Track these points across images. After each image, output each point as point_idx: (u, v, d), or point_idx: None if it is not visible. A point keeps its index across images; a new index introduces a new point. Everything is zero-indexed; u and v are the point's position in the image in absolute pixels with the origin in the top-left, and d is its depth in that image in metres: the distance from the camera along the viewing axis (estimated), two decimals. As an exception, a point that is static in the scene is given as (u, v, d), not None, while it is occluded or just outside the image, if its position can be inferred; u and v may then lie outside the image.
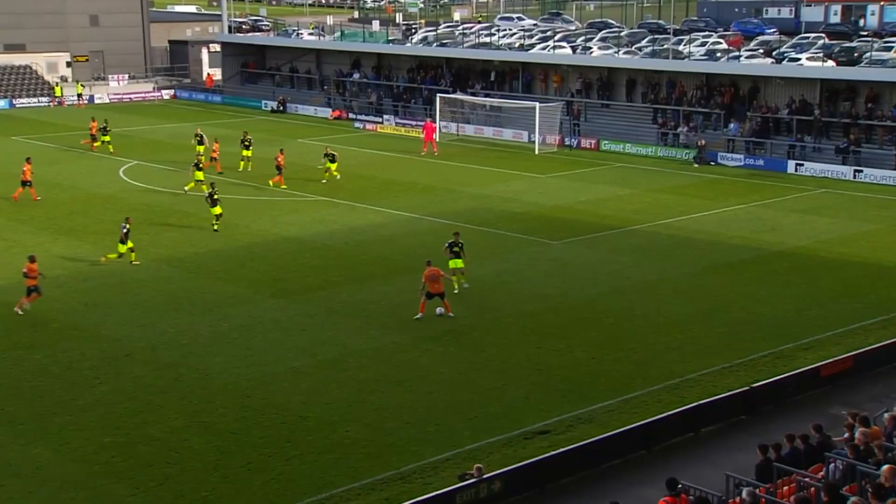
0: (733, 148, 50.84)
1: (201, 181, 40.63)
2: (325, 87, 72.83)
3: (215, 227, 34.84)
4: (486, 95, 61.94)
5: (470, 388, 21.59)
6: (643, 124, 56.15)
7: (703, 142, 50.59)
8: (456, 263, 28.00)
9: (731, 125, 51.67)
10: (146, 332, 24.99)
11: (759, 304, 27.36)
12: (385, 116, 64.61)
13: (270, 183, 42.74)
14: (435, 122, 54.67)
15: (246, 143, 45.67)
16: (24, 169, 39.50)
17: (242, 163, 44.74)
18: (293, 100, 71.85)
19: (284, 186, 42.25)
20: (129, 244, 30.62)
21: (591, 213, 38.77)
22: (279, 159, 42.91)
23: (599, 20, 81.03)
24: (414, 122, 62.05)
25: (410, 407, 20.66)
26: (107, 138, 52.17)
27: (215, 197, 34.84)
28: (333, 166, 44.26)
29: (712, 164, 49.88)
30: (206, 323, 25.73)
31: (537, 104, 54.65)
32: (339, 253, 32.85)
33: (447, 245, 28.22)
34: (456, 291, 27.78)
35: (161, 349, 23.83)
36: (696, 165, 49.65)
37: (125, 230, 30.41)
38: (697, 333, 25.08)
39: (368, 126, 63.58)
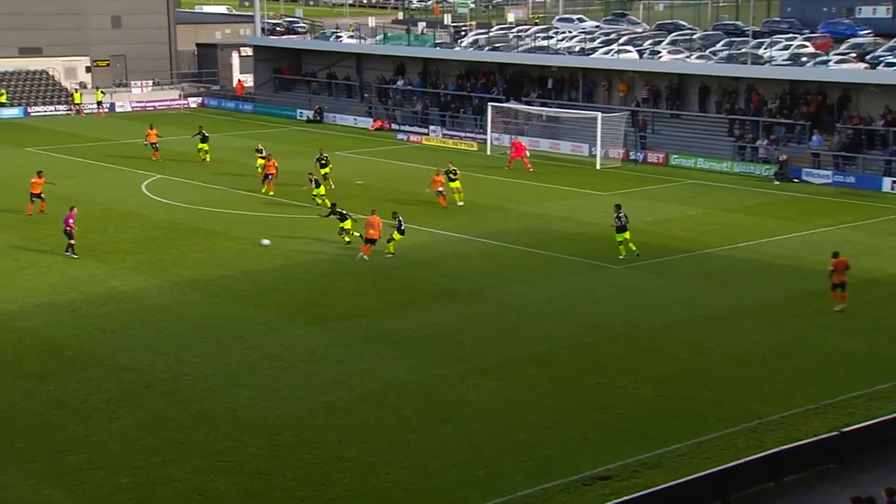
0: (820, 163, 50.30)
1: (322, 195, 41.81)
2: (366, 95, 73.45)
3: (348, 240, 36.02)
4: (543, 104, 62.02)
5: (522, 428, 21.51)
6: (717, 137, 55.75)
7: (786, 156, 50.10)
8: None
9: (815, 138, 51.14)
10: (168, 361, 25.27)
11: (849, 338, 26.95)
12: (431, 127, 64.95)
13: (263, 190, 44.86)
14: (523, 140, 54.91)
15: (322, 161, 45.84)
16: (34, 182, 40.27)
17: (327, 181, 44.97)
18: (331, 109, 72.54)
19: (272, 193, 43.51)
20: None
21: (657, 235, 38.55)
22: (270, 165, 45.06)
23: (669, 21, 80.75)
24: (463, 134, 62.33)
25: (456, 447, 20.61)
26: (205, 146, 53.28)
27: (341, 211, 35.88)
28: (325, 171, 45.72)
29: (795, 181, 49.37)
30: (233, 352, 25.95)
31: (599, 114, 54.53)
32: (379, 276, 33.00)
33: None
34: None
35: (184, 381, 24.07)
36: (777, 182, 49.16)
37: None
38: (779, 369, 24.77)
39: (412, 138, 63.96)
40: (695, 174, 51.71)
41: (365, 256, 34.31)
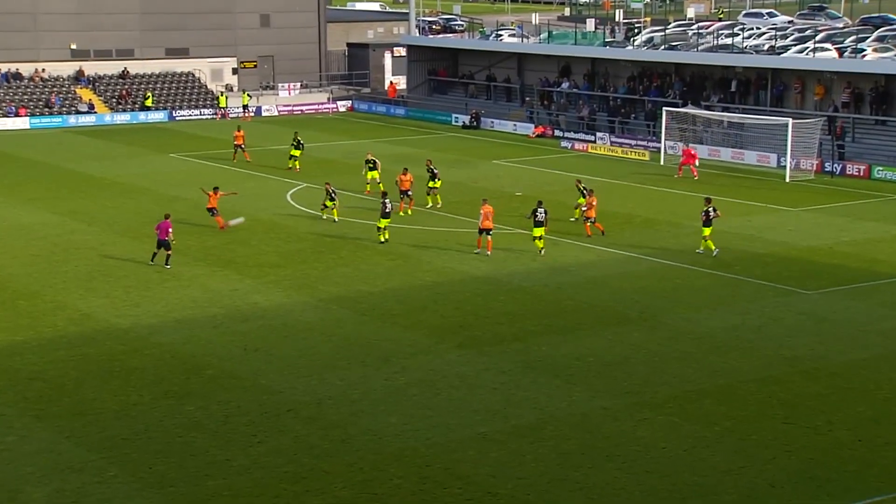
0: None
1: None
2: (528, 99, 73.71)
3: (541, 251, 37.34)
4: (725, 109, 61.01)
5: (698, 470, 21.11)
6: (929, 146, 53.73)
7: None
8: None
9: None
10: (311, 384, 25.83)
11: None
12: (598, 134, 64.64)
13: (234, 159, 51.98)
14: (694, 149, 54.41)
15: (432, 172, 46.24)
16: (210, 195, 41.52)
17: (429, 197, 45.50)
18: (488, 113, 73.07)
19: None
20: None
21: (857, 257, 37.37)
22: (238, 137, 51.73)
23: (876, 15, 78.22)
24: (634, 142, 61.81)
25: (623, 488, 20.38)
26: (297, 153, 55.22)
27: (539, 218, 36.98)
28: (374, 174, 47.10)
29: None
30: (380, 376, 26.33)
31: (790, 120, 53.27)
32: (538, 297, 32.96)
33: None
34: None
35: (328, 405, 24.54)
36: None
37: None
38: None
39: (578, 145, 63.77)
40: (902, 189, 49.98)
41: (486, 252, 37.09)
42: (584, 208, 40.97)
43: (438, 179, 45.41)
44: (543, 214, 37.11)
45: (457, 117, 74.03)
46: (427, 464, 21.44)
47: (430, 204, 45.16)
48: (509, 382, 25.81)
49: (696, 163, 52.98)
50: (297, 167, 54.65)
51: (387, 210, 38.93)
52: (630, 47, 71.67)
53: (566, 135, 66.09)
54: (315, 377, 26.19)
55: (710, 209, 37.27)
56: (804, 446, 22.14)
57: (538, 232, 37.25)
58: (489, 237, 37.22)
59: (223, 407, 24.39)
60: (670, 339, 28.97)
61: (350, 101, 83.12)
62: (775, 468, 21.19)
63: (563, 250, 38.43)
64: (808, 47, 62.41)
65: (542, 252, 37.26)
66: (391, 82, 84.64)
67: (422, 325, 30.23)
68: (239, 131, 58.62)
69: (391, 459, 21.64)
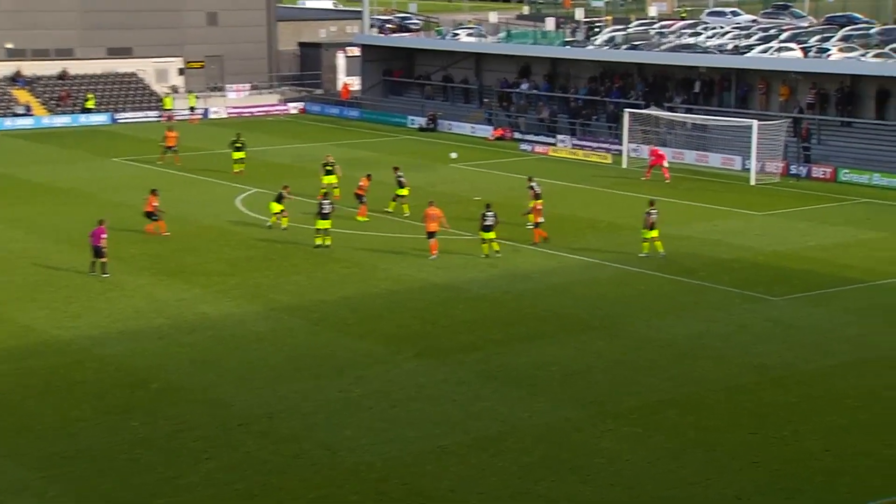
0: None
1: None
2: (486, 101, 73.82)
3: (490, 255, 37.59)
4: (689, 111, 61.40)
5: (663, 483, 21.21)
6: (897, 148, 54.44)
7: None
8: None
9: None
10: (263, 396, 25.69)
11: None
12: (559, 137, 64.91)
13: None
14: (661, 149, 54.78)
15: (399, 181, 45.97)
16: (148, 199, 41.30)
17: (393, 203, 45.35)
18: (446, 115, 73.12)
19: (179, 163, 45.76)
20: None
21: (824, 262, 37.75)
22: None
23: (841, 14, 79.17)
24: (595, 144, 62.10)
25: (586, 502, 20.45)
26: (240, 155, 54.94)
27: (488, 222, 37.44)
28: (331, 179, 47.16)
29: None
30: (334, 387, 26.25)
31: (755, 122, 53.73)
32: (499, 304, 33.01)
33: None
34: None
35: (280, 418, 24.43)
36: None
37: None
38: (970, 423, 23.92)
39: (538, 148, 63.99)
40: (869, 192, 50.50)
41: (430, 254, 37.56)
42: (528, 212, 40.70)
43: (405, 187, 45.34)
44: (492, 218, 37.44)
45: (413, 119, 74.04)
46: (384, 479, 21.39)
47: (393, 210, 44.90)
48: (469, 393, 25.82)
49: (666, 163, 53.26)
50: (242, 170, 54.31)
51: (324, 211, 38.87)
52: (591, 47, 72.05)
53: (526, 137, 66.29)
54: (267, 390, 26.06)
55: (654, 212, 37.61)
56: (772, 457, 22.30)
57: (487, 236, 37.57)
58: (433, 240, 37.66)
59: (170, 422, 24.20)
60: (635, 347, 29.14)
61: (302, 103, 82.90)
62: (742, 480, 21.33)
63: (524, 257, 38.52)
64: (772, 47, 63.00)
65: (496, 254, 37.68)
66: (345, 83, 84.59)
67: (378, 335, 30.17)
68: (171, 132, 58.47)
69: (346, 475, 21.56)
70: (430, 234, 37.81)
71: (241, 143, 55.32)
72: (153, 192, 41.75)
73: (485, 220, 37.51)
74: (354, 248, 39.53)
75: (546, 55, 71.83)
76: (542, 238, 39.90)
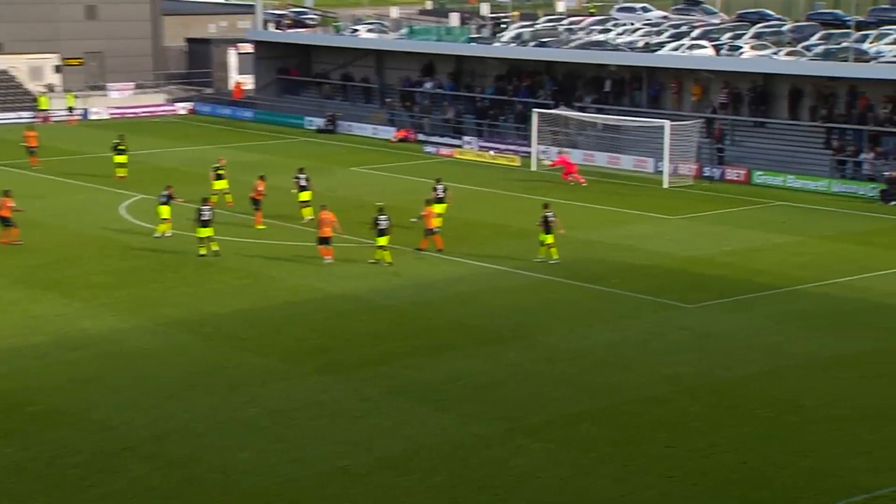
0: (937, 181, 49.92)
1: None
2: (388, 100, 73.88)
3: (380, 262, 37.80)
4: (599, 111, 62.08)
5: (578, 499, 21.36)
6: (812, 149, 55.58)
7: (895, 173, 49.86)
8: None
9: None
10: (151, 417, 25.32)
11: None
12: (465, 138, 65.21)
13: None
14: (568, 154, 55.28)
15: (303, 185, 45.65)
16: (2, 203, 40.56)
17: (304, 211, 44.93)
18: (346, 116, 73.01)
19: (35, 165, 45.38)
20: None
21: (738, 268, 38.37)
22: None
23: (753, 10, 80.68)
24: (502, 146, 62.46)
25: (497, 523, 20.52)
26: (122, 159, 54.01)
27: (382, 226, 37.66)
28: (222, 184, 47.00)
29: (907, 202, 49.14)
30: (228, 406, 25.99)
31: (667, 122, 54.53)
32: (404, 315, 33.01)
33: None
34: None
35: (170, 440, 24.11)
36: (885, 204, 48.86)
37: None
38: (891, 433, 24.48)
39: (443, 151, 64.19)
40: (784, 194, 51.49)
41: (325, 259, 37.83)
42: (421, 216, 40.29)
43: (309, 190, 45.08)
44: (386, 222, 37.71)
45: (311, 120, 73.79)
46: (282, 503, 21.19)
47: (306, 219, 44.50)
48: (373, 410, 25.75)
49: (576, 170, 53.67)
50: (125, 175, 53.65)
51: (203, 218, 38.49)
52: (497, 44, 72.50)
53: (431, 139, 66.44)
54: (155, 410, 25.69)
55: (549, 214, 38.15)
56: (688, 471, 22.57)
57: (382, 241, 37.71)
58: (328, 246, 37.81)
59: (49, 447, 23.70)
60: (546, 358, 29.33)
61: (191, 103, 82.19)
62: (658, 495, 21.56)
63: (429, 264, 38.57)
64: (684, 44, 63.94)
65: (388, 263, 37.73)
66: (237, 82, 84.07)
67: (275, 350, 29.95)
68: (31, 131, 57.51)
69: (242, 499, 21.36)
70: (324, 240, 37.79)
71: (124, 146, 54.48)
72: (6, 192, 40.89)
73: (378, 223, 37.64)
74: (249, 256, 39.23)
75: (451, 52, 72.01)
76: (429, 246, 39.64)
